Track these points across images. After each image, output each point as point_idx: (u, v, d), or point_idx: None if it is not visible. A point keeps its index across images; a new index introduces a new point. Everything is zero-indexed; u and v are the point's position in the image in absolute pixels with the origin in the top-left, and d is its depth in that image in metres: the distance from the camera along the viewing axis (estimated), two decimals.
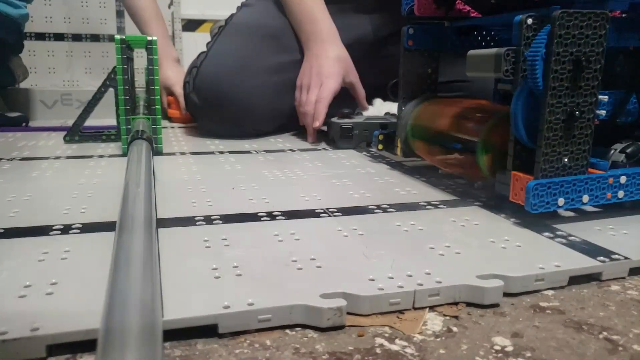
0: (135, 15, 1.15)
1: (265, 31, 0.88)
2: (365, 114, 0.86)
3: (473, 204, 0.50)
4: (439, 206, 0.49)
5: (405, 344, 0.27)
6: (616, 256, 0.36)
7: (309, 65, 0.84)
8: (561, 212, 0.47)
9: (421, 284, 0.31)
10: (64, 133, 0.85)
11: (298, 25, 0.87)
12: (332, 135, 0.82)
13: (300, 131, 0.95)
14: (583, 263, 0.35)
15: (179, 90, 1.06)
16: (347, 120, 0.81)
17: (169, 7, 1.78)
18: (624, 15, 0.45)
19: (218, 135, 0.89)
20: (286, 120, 0.92)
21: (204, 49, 0.90)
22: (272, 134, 0.93)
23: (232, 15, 0.95)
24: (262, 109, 0.86)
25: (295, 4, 0.86)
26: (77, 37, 1.63)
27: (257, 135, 0.90)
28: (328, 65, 0.82)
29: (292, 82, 0.88)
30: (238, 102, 0.84)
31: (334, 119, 0.81)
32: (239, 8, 0.97)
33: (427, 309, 0.31)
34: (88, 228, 0.42)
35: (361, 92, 0.87)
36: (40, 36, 1.60)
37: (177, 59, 1.18)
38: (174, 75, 1.09)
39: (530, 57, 0.41)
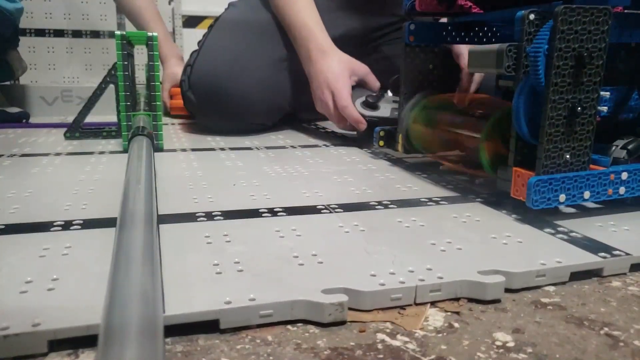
0: (135, 16, 1.15)
1: (254, 27, 0.89)
2: (383, 105, 0.80)
3: (474, 200, 0.50)
4: (440, 202, 0.49)
5: (406, 339, 0.27)
6: (617, 252, 0.36)
7: (317, 82, 0.82)
8: (562, 208, 0.47)
9: (422, 280, 0.31)
10: (64, 129, 0.85)
11: (294, 39, 0.86)
12: (360, 135, 0.78)
13: (300, 127, 0.95)
14: (584, 259, 0.35)
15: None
16: (373, 112, 0.76)
17: (170, 4, 1.78)
18: (626, 11, 0.45)
19: (218, 131, 0.89)
20: (285, 113, 0.92)
21: None
22: (272, 129, 0.93)
23: (220, 15, 0.95)
24: (259, 102, 0.86)
25: (291, 16, 0.85)
26: (77, 34, 1.63)
27: (257, 131, 0.90)
28: (333, 73, 0.80)
29: (287, 75, 0.88)
30: (235, 96, 0.83)
31: (360, 109, 0.76)
32: (226, 9, 0.98)
33: (429, 305, 0.31)
34: (89, 224, 0.42)
35: (374, 82, 0.84)
36: (40, 32, 1.59)
37: (181, 57, 1.18)
38: (180, 71, 1.10)
39: (533, 53, 0.41)
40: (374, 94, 0.79)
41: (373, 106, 0.77)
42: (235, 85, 0.83)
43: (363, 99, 0.78)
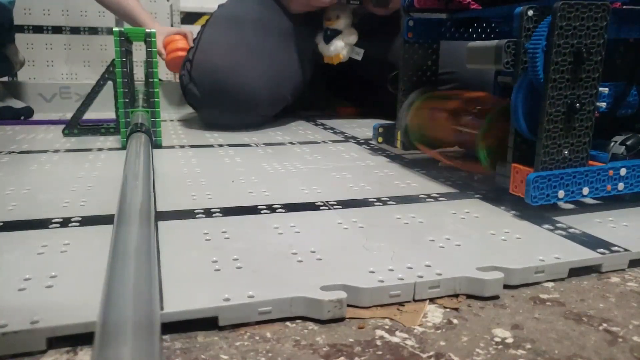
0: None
1: (247, 20, 0.90)
2: None
3: (473, 196, 0.50)
4: (439, 199, 0.49)
5: (405, 335, 0.27)
6: (616, 248, 0.37)
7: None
8: (561, 204, 0.47)
9: (421, 276, 0.31)
10: (62, 126, 0.84)
11: None
12: None
13: (299, 124, 0.95)
14: (583, 255, 0.35)
15: (177, 29, 1.08)
16: None
17: (168, 0, 1.77)
18: (624, 6, 0.45)
19: (216, 127, 0.89)
20: (286, 103, 0.92)
21: None
22: (270, 125, 0.93)
23: (212, 14, 0.96)
24: (262, 92, 0.86)
25: None
26: (75, 30, 1.62)
27: (259, 123, 0.90)
28: None
29: (285, 63, 0.89)
30: (237, 84, 0.84)
31: None
32: (217, 9, 0.98)
33: (428, 301, 0.31)
34: (87, 221, 0.42)
35: None
36: (38, 29, 1.59)
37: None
38: (165, 27, 1.13)
39: (531, 49, 0.41)
40: None
41: None
42: (238, 76, 0.84)
43: None
